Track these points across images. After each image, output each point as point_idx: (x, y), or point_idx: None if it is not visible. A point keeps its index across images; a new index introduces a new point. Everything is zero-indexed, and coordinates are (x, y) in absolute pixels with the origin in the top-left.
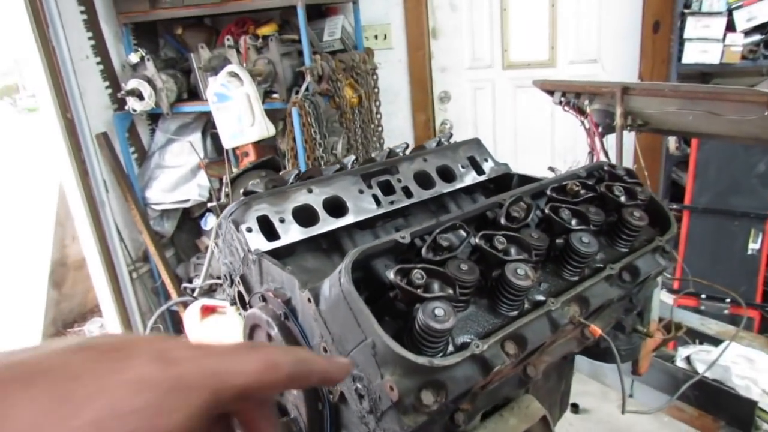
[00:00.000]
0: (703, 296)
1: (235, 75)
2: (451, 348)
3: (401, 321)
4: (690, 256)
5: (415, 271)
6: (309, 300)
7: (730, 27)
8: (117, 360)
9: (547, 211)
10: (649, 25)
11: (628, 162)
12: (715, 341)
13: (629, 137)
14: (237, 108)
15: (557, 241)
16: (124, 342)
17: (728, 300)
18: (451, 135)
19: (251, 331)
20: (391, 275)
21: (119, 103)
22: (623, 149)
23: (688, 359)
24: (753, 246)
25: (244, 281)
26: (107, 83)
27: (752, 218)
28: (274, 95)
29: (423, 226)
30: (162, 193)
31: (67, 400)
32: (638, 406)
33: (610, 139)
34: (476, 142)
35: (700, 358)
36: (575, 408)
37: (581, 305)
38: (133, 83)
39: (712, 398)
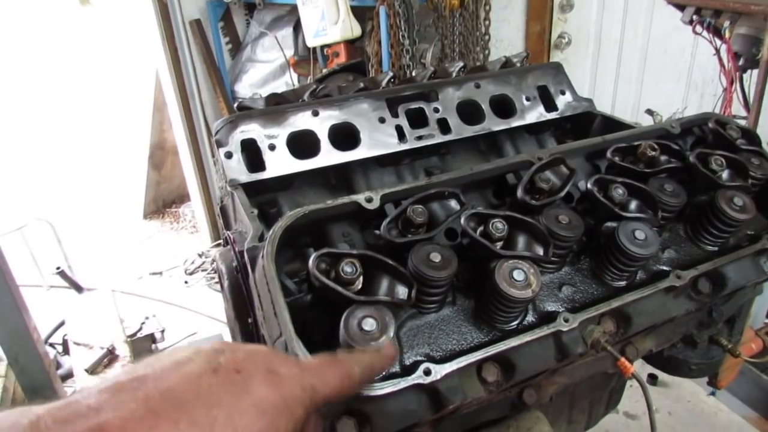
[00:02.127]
0: None
1: None
2: (397, 368)
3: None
4: None
5: (346, 260)
6: (245, 264)
7: None
8: (239, 384)
9: (589, 186)
10: None
11: None
12: None
13: None
14: (323, 3)
15: (606, 225)
16: (241, 362)
17: None
18: (527, 56)
19: (219, 276)
20: (310, 262)
21: None
22: None
23: None
24: None
25: (224, 214)
26: None
27: None
28: None
29: (400, 187)
30: (250, 88)
31: (210, 428)
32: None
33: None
34: (554, 68)
35: None
36: (653, 379)
37: (619, 323)
38: None
39: None
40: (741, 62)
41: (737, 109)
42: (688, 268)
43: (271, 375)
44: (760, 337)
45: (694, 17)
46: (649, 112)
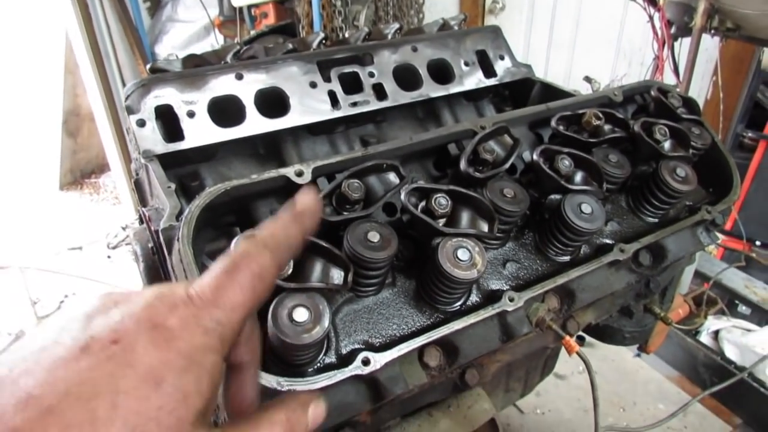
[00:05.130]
0: (758, 243)
1: None
2: (333, 359)
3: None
4: (755, 194)
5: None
6: (161, 245)
7: None
8: (118, 358)
9: (535, 157)
10: None
11: (701, 73)
12: (760, 310)
13: (710, 42)
14: None
15: (550, 198)
16: (117, 327)
17: None
18: (464, 18)
19: (135, 258)
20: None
21: None
22: (699, 56)
23: (716, 335)
24: None
25: (139, 189)
26: None
27: None
28: None
29: (334, 159)
30: (173, 49)
31: (91, 428)
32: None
33: (686, 44)
34: (493, 32)
35: (732, 338)
36: (581, 340)
37: (563, 299)
38: None
39: (734, 391)
40: (673, 30)
41: (668, 77)
42: (630, 240)
43: (158, 331)
44: (687, 303)
45: None
46: (588, 79)
